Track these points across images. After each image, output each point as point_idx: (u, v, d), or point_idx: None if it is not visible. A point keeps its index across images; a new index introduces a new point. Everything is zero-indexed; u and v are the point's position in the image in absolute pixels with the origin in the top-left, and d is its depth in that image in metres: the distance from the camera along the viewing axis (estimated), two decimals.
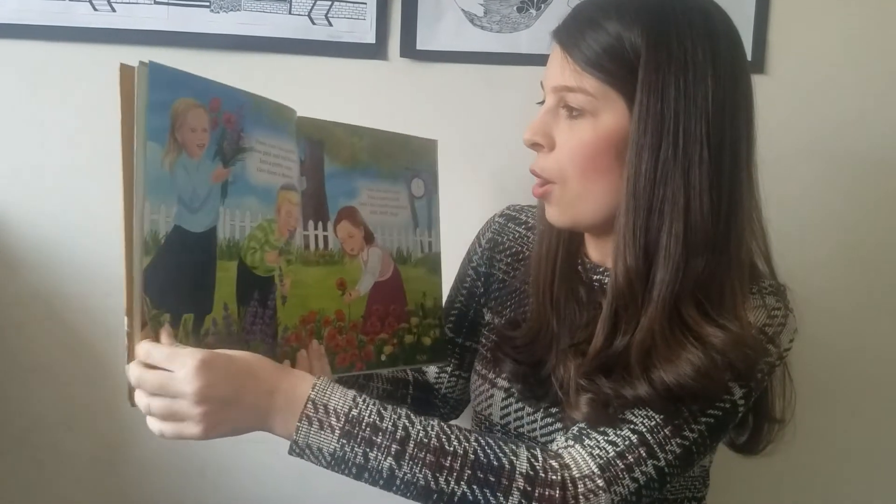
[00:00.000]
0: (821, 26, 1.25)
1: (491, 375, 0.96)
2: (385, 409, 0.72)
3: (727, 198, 0.77)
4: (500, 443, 0.74)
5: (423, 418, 0.73)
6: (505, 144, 1.26)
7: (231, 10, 1.17)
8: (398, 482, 0.70)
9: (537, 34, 1.24)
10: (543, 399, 0.88)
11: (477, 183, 1.27)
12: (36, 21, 1.16)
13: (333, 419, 0.70)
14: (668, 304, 0.75)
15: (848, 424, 1.36)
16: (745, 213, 0.79)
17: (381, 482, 0.71)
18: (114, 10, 1.16)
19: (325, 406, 0.70)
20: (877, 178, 1.29)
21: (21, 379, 1.22)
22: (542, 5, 1.24)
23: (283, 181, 0.85)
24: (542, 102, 0.84)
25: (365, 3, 1.18)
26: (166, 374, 0.68)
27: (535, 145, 0.83)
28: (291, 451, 0.71)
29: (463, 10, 1.23)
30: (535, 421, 0.90)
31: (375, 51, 1.21)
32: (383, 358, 0.98)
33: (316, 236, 0.91)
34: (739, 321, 0.76)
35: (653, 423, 0.75)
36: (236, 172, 0.79)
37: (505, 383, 0.93)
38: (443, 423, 0.74)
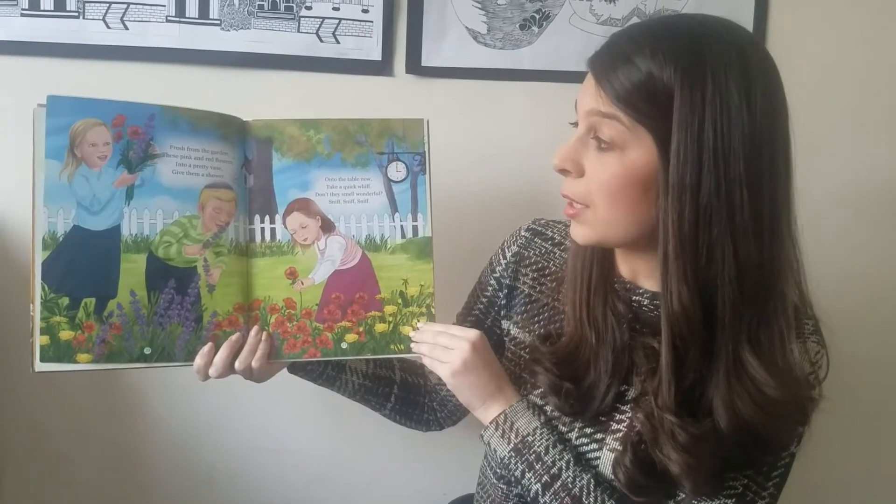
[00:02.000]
0: (820, 27, 1.29)
1: (522, 392, 0.93)
2: (555, 447, 0.86)
3: (769, 240, 0.76)
4: None
5: (579, 469, 0.85)
6: (509, 158, 1.27)
7: (241, 28, 1.19)
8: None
9: (539, 51, 1.25)
10: (580, 415, 0.88)
11: (481, 196, 1.27)
12: (49, 38, 1.17)
13: (512, 435, 0.87)
14: (730, 350, 0.77)
15: (868, 451, 1.42)
16: (787, 253, 0.78)
17: (529, 498, 0.87)
18: (126, 27, 1.18)
19: (513, 423, 0.87)
20: (875, 178, 1.33)
21: (30, 386, 1.23)
22: (545, 22, 1.25)
23: (208, 180, 0.92)
24: (576, 123, 0.83)
25: (371, 21, 1.21)
26: (459, 331, 0.90)
27: (563, 171, 0.82)
28: (481, 438, 0.90)
29: (467, 27, 1.24)
30: (569, 440, 0.88)
31: (381, 67, 1.22)
32: (344, 346, 0.94)
33: (263, 229, 0.95)
34: (791, 368, 0.78)
35: None
36: (144, 176, 0.89)
37: (537, 400, 0.92)
38: (593, 481, 0.84)
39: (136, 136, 0.89)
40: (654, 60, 0.73)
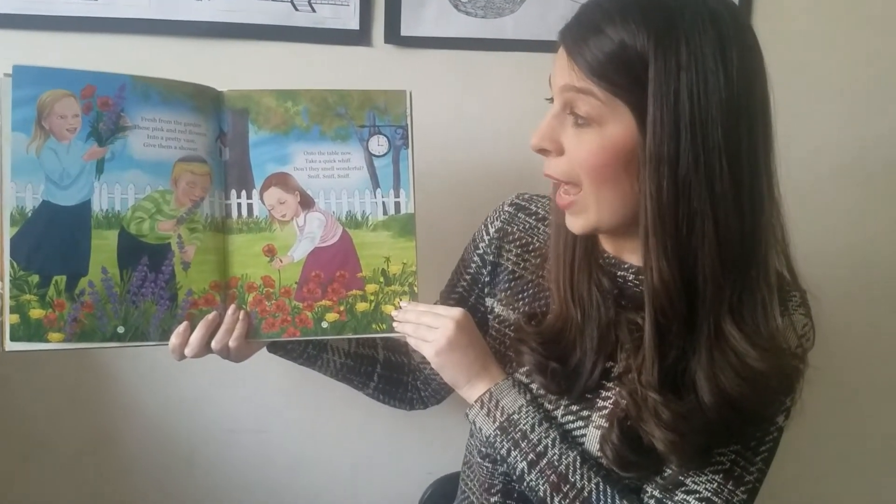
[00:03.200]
0: (805, 18, 1.28)
1: (507, 370, 0.92)
2: (540, 425, 0.85)
3: (749, 209, 0.74)
4: (618, 494, 0.82)
5: (565, 447, 0.85)
6: (492, 130, 1.24)
7: None
8: (525, 483, 0.85)
9: (522, 19, 1.22)
10: (566, 393, 0.87)
11: (464, 168, 1.24)
12: (17, 10, 1.13)
13: (498, 413, 0.86)
14: (712, 323, 0.76)
15: (856, 423, 1.43)
16: (767, 220, 0.76)
17: (515, 476, 0.86)
18: None
19: (498, 401, 0.87)
20: (865, 153, 1.32)
21: (5, 373, 1.22)
22: None
23: (181, 154, 0.89)
24: (551, 99, 0.80)
25: None
26: (443, 310, 0.89)
27: (543, 151, 0.80)
28: (466, 416, 0.89)
29: None
30: (555, 418, 0.88)
31: (359, 37, 1.19)
32: (325, 325, 0.91)
33: (239, 204, 0.92)
34: (774, 338, 0.76)
35: (714, 485, 0.81)
36: (115, 149, 0.86)
37: (522, 378, 0.91)
38: (579, 458, 0.84)
39: (107, 108, 0.86)
40: (625, 29, 0.71)
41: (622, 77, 0.72)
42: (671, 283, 0.74)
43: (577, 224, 0.82)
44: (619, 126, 0.73)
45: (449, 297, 1.03)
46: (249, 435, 1.30)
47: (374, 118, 0.94)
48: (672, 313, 0.76)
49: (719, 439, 0.80)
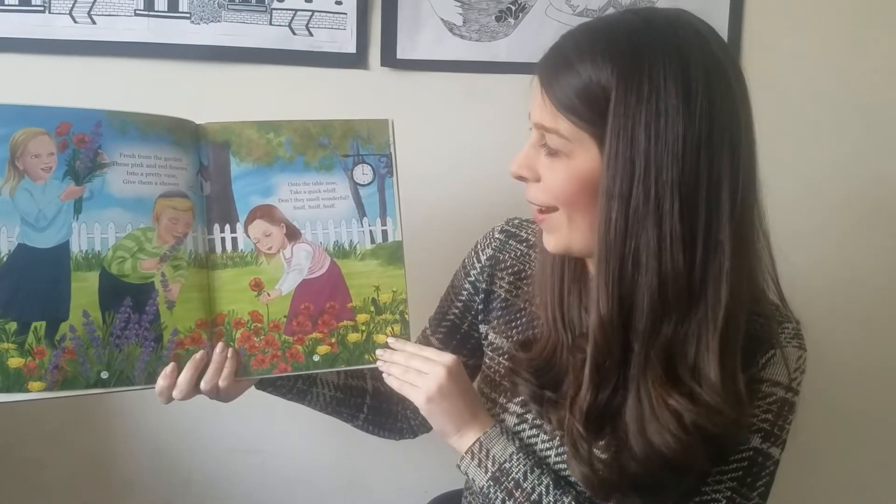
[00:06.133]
0: (795, 28, 1.28)
1: (502, 400, 0.92)
2: (532, 472, 0.83)
3: (703, 247, 0.72)
4: None
5: (560, 492, 0.82)
6: (485, 152, 1.26)
7: (211, 21, 1.17)
8: None
9: (516, 43, 1.24)
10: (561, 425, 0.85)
11: (456, 190, 1.26)
12: (15, 34, 1.15)
13: (489, 463, 0.84)
14: (644, 362, 0.74)
15: (844, 429, 1.41)
16: (733, 256, 0.72)
17: None
18: (94, 22, 1.16)
19: (488, 451, 0.84)
20: (851, 178, 1.32)
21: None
22: (521, 14, 1.24)
23: (162, 189, 0.86)
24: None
25: (345, 14, 1.19)
26: (434, 354, 0.85)
27: (520, 178, 0.81)
28: (458, 468, 0.86)
29: (442, 19, 1.22)
30: (551, 448, 0.87)
31: (356, 60, 1.20)
32: (316, 359, 0.89)
33: (223, 239, 0.90)
34: (723, 386, 0.73)
35: None
36: (93, 188, 0.83)
37: (518, 408, 0.90)
38: (574, 502, 0.82)
39: (83, 145, 0.83)
40: (593, 63, 0.71)
41: (589, 111, 0.72)
42: (608, 318, 0.74)
43: (550, 242, 0.82)
44: (585, 158, 0.74)
45: (440, 324, 1.01)
46: (247, 454, 1.30)
47: (357, 147, 0.92)
48: (606, 348, 0.75)
49: (647, 485, 0.77)
